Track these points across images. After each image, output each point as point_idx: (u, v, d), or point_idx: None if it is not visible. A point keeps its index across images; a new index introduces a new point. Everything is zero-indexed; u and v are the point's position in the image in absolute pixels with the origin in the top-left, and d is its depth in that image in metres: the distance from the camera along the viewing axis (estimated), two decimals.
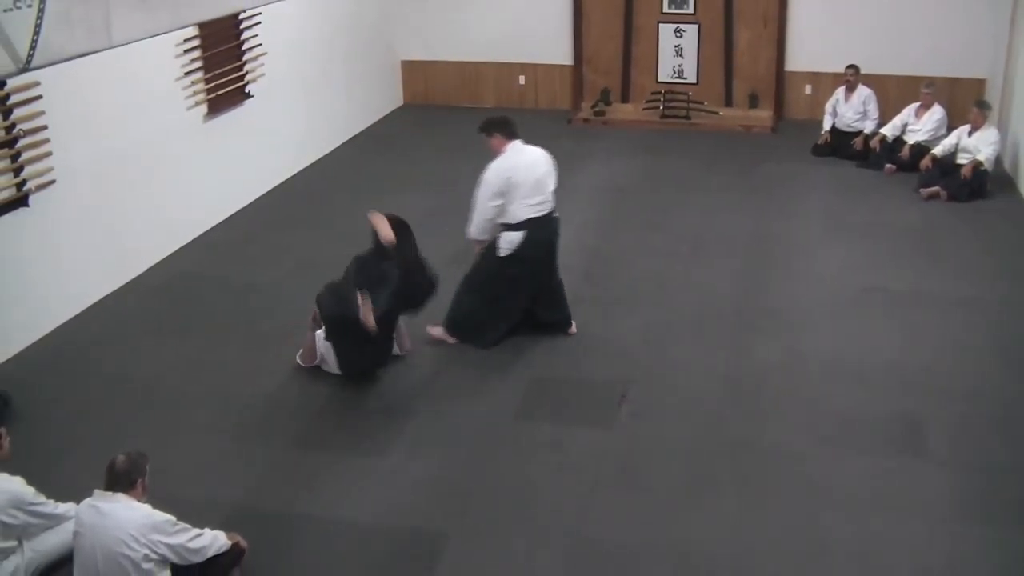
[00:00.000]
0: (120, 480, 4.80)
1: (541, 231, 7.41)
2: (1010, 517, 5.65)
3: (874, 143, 11.82)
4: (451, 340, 7.70)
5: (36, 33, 7.57)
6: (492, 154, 7.43)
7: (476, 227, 7.54)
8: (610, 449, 6.40)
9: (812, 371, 7.24)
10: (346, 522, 5.73)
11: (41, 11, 7.58)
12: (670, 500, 5.89)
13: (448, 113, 14.55)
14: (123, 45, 8.65)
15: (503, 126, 7.40)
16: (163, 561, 4.82)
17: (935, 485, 5.95)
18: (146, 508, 4.83)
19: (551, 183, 7.49)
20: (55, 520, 5.27)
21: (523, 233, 7.34)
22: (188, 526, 4.91)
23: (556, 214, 7.57)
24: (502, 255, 7.41)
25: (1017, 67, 11.36)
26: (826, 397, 6.92)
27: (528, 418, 6.78)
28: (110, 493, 4.79)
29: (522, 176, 7.28)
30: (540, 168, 7.41)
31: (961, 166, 10.69)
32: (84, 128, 8.28)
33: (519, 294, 7.60)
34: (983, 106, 10.91)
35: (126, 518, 4.73)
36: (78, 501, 4.95)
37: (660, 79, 14.10)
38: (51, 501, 5.27)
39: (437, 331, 7.73)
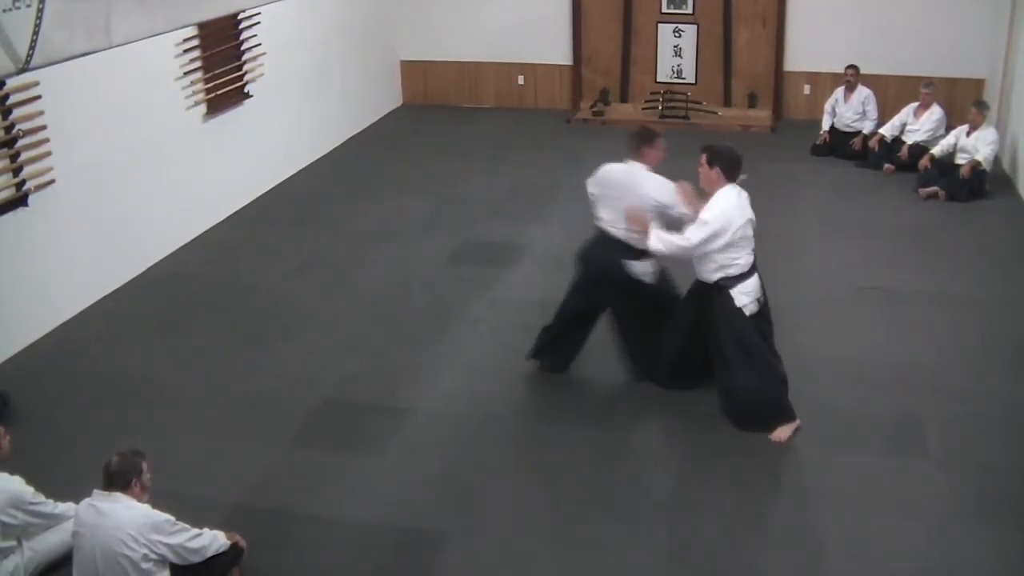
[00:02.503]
0: (115, 480, 4.80)
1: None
2: (1009, 517, 5.65)
3: (873, 143, 11.83)
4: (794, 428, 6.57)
5: (36, 33, 7.54)
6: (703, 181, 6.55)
7: None
8: (608, 448, 6.40)
9: (810, 370, 7.23)
10: (345, 522, 5.74)
11: (40, 11, 7.55)
12: (668, 498, 5.90)
13: (447, 113, 14.57)
14: (123, 45, 8.64)
15: (730, 163, 6.47)
16: (162, 561, 4.82)
17: (933, 485, 5.95)
18: (145, 508, 4.83)
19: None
20: (54, 520, 5.27)
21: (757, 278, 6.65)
22: (187, 526, 4.92)
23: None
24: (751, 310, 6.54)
25: (1016, 67, 11.36)
26: (824, 396, 6.92)
27: (527, 417, 6.79)
28: (109, 493, 4.79)
29: None
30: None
31: (960, 166, 10.69)
32: (84, 128, 8.28)
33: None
34: (981, 106, 10.92)
35: (125, 518, 4.73)
36: (78, 500, 4.96)
37: (659, 79, 14.12)
38: (50, 501, 5.27)
39: (784, 433, 6.52)
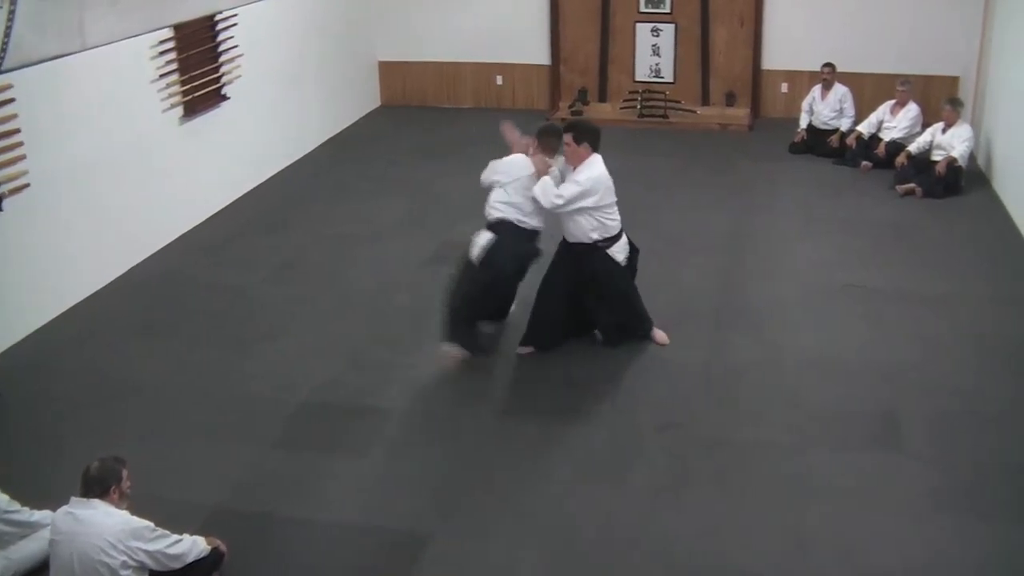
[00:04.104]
0: (93, 487, 4.76)
1: None
2: (988, 510, 5.69)
3: (850, 140, 11.88)
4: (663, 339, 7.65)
5: (7, 35, 7.50)
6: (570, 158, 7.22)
7: (546, 197, 7.09)
8: (591, 446, 6.40)
9: (790, 367, 7.27)
10: (329, 523, 5.71)
11: (12, 13, 7.51)
12: (651, 497, 5.90)
13: (426, 114, 14.54)
14: (97, 47, 8.60)
15: (595, 137, 7.24)
16: (141, 567, 4.79)
17: (913, 479, 5.98)
18: (124, 514, 4.80)
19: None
20: (30, 528, 5.23)
21: (626, 237, 7.43)
22: (167, 532, 4.89)
23: None
24: (624, 263, 7.44)
25: (989, 64, 11.45)
26: (804, 393, 6.94)
27: (509, 415, 6.78)
28: (86, 500, 4.76)
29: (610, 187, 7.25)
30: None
31: (936, 163, 10.76)
32: (59, 131, 8.21)
33: None
34: (955, 103, 10.98)
35: (104, 524, 4.70)
36: (57, 506, 4.91)
37: (637, 78, 14.13)
38: (26, 508, 5.24)
39: (660, 335, 7.70)
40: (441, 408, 6.92)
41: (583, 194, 7.07)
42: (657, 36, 13.89)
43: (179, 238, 9.91)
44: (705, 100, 13.96)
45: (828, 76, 12.24)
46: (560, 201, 7.06)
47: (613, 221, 7.28)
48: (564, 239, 7.45)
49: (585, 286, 7.42)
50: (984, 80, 11.65)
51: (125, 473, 4.88)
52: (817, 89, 12.44)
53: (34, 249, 8.00)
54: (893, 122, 11.68)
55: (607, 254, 7.30)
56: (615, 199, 7.28)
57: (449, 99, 14.88)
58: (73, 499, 4.79)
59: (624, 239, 7.41)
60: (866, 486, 5.94)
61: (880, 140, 11.66)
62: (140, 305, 8.55)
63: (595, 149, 7.22)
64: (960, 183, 10.71)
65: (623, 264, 7.41)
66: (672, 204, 10.66)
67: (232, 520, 5.70)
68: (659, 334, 7.67)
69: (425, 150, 12.81)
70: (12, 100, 7.64)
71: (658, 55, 13.99)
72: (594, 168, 7.16)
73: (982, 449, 6.27)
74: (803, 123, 12.43)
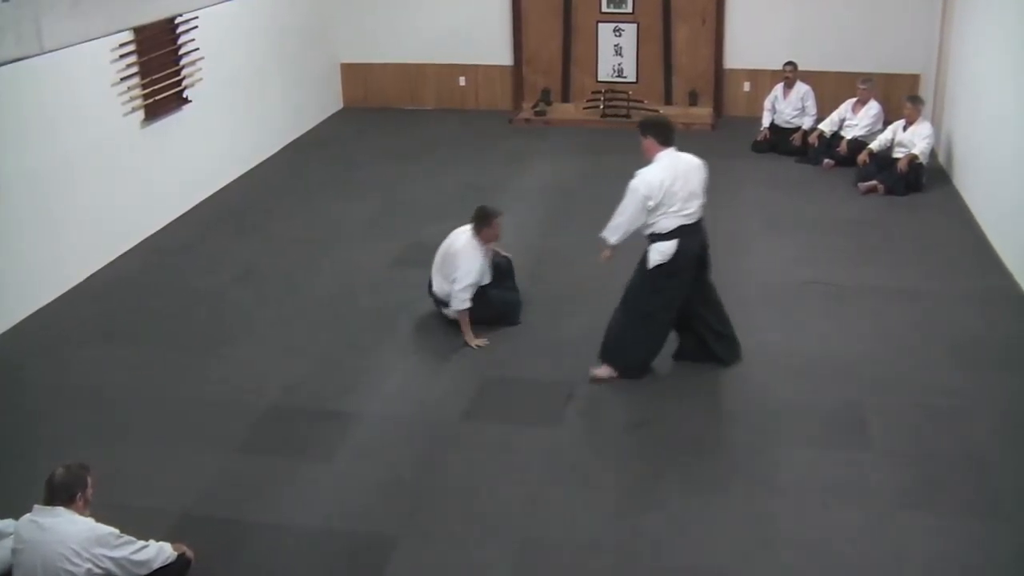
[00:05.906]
0: (58, 494, 4.70)
1: (692, 238, 6.84)
2: (951, 504, 5.75)
3: (812, 139, 11.98)
4: (615, 375, 7.13)
5: None
6: (642, 155, 6.89)
7: (615, 232, 6.90)
8: (558, 448, 6.40)
9: (757, 365, 7.30)
10: (295, 528, 5.68)
11: None
12: (618, 497, 5.91)
13: (389, 116, 14.51)
14: (56, 51, 8.50)
15: (661, 130, 6.83)
16: (107, 575, 4.73)
17: (878, 475, 6.03)
18: (89, 521, 4.74)
19: (702, 192, 6.90)
20: None
21: (675, 242, 6.77)
22: (132, 538, 4.83)
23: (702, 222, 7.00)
24: (652, 267, 6.84)
25: (949, 62, 11.57)
26: (770, 390, 6.98)
27: (476, 418, 6.77)
28: (50, 507, 4.70)
29: (679, 185, 6.70)
30: (694, 178, 6.83)
31: (897, 160, 10.86)
32: (17, 136, 8.12)
33: (671, 309, 7.04)
34: (915, 101, 11.10)
35: (68, 532, 4.64)
36: (20, 514, 4.84)
37: (600, 78, 14.18)
38: None
39: (603, 372, 7.14)
40: (406, 411, 6.89)
41: (644, 197, 6.67)
42: (619, 36, 13.95)
43: (141, 242, 9.81)
44: (668, 99, 14.03)
45: (790, 75, 12.34)
46: (622, 215, 6.82)
47: (668, 219, 6.73)
48: None
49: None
50: (944, 77, 11.77)
51: (90, 480, 4.82)
52: (779, 88, 12.52)
53: None
54: (855, 120, 11.78)
55: (645, 251, 6.86)
56: (686, 195, 6.74)
57: (412, 100, 14.85)
58: (37, 507, 4.73)
59: (673, 243, 6.78)
60: (833, 483, 5.97)
61: (842, 138, 11.76)
62: (103, 310, 8.46)
63: (663, 142, 6.76)
64: (921, 180, 10.82)
65: (650, 268, 6.83)
66: None
67: (198, 526, 5.65)
68: (603, 371, 7.17)
69: (389, 152, 12.78)
70: None
71: (620, 55, 14.04)
72: (650, 171, 6.72)
73: (948, 445, 6.32)
74: (766, 122, 12.52)
